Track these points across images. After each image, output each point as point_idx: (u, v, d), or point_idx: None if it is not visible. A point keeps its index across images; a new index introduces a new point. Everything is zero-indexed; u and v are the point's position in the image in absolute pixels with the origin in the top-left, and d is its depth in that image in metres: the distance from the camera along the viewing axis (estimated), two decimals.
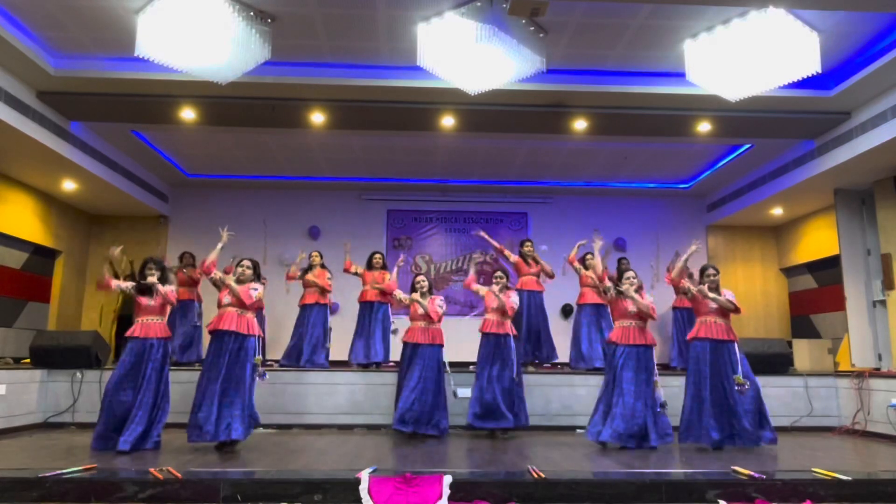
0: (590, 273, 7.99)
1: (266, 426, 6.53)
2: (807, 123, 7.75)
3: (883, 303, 8.38)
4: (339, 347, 8.40)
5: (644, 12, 5.90)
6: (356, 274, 8.33)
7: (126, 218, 10.56)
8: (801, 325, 10.64)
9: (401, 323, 7.48)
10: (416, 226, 11.11)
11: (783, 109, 7.44)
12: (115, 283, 5.80)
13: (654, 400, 5.82)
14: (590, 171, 10.15)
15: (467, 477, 4.28)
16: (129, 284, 5.79)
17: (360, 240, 9.86)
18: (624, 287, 5.93)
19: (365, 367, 7.85)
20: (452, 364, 6.80)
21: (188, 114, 7.61)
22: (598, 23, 6.10)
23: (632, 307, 5.93)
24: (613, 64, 6.89)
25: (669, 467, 4.94)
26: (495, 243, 8.25)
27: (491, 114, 7.63)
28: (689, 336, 6.05)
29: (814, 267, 10.38)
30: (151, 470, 4.25)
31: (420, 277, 6.66)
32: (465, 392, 6.69)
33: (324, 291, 8.24)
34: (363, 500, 3.98)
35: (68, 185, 8.97)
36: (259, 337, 5.71)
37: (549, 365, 8.21)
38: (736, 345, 5.87)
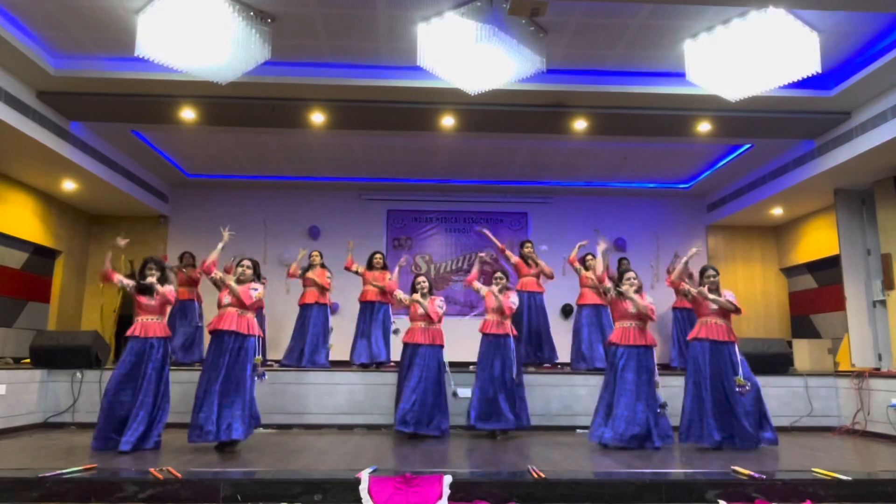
0: (590, 274, 8.01)
1: (266, 426, 6.53)
2: (807, 123, 7.75)
3: (883, 303, 8.38)
4: (340, 347, 8.40)
5: (644, 12, 5.90)
6: (356, 273, 8.33)
7: (126, 218, 10.55)
8: (801, 325, 10.64)
9: (401, 323, 7.47)
10: (416, 226, 11.11)
11: (783, 109, 7.44)
12: (117, 276, 5.80)
13: (655, 401, 5.82)
14: (590, 171, 10.15)
15: (467, 477, 4.28)
16: (129, 282, 5.80)
17: (360, 240, 9.84)
18: (623, 288, 5.94)
19: (365, 367, 7.85)
20: (452, 364, 6.80)
21: (188, 114, 7.61)
22: (598, 23, 6.10)
23: (631, 308, 5.93)
24: (613, 64, 6.89)
25: (669, 467, 4.94)
26: (498, 242, 8.24)
27: (491, 114, 7.63)
28: (690, 336, 6.06)
29: (814, 267, 10.38)
30: (151, 470, 4.25)
31: (420, 278, 6.66)
32: (465, 392, 6.70)
33: (323, 290, 8.25)
34: (363, 500, 3.98)
35: (68, 185, 8.97)
36: (259, 337, 5.71)
37: (549, 365, 8.21)
38: (736, 346, 5.88)
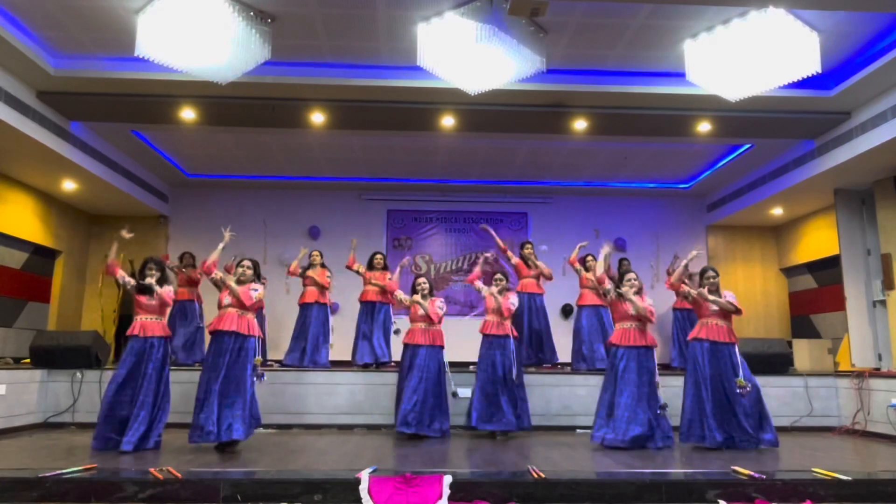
0: (590, 275, 8.01)
1: (266, 426, 6.52)
2: (807, 123, 7.75)
3: (883, 303, 8.38)
4: (340, 347, 8.40)
5: (644, 12, 5.90)
6: (357, 272, 8.33)
7: (126, 218, 10.49)
8: (801, 325, 10.64)
9: (402, 323, 7.47)
10: (416, 226, 11.11)
11: (783, 109, 7.44)
12: (120, 272, 5.79)
13: (656, 401, 5.82)
14: (590, 171, 10.15)
15: (467, 477, 4.28)
16: (130, 280, 5.80)
17: (360, 240, 9.80)
18: (623, 289, 5.94)
19: (365, 367, 7.85)
20: (452, 364, 6.80)
21: (188, 114, 7.61)
22: (598, 23, 6.10)
23: (631, 309, 5.93)
24: (613, 64, 6.89)
25: (669, 467, 4.94)
26: (500, 241, 8.24)
27: (491, 114, 7.63)
28: (690, 336, 6.05)
29: (814, 267, 10.38)
30: (151, 470, 4.25)
31: (421, 279, 6.65)
32: (466, 392, 6.70)
33: (323, 290, 8.25)
34: (363, 500, 3.98)
35: (68, 185, 8.97)
36: (259, 338, 5.71)
37: (549, 366, 8.21)
38: (736, 347, 5.87)
